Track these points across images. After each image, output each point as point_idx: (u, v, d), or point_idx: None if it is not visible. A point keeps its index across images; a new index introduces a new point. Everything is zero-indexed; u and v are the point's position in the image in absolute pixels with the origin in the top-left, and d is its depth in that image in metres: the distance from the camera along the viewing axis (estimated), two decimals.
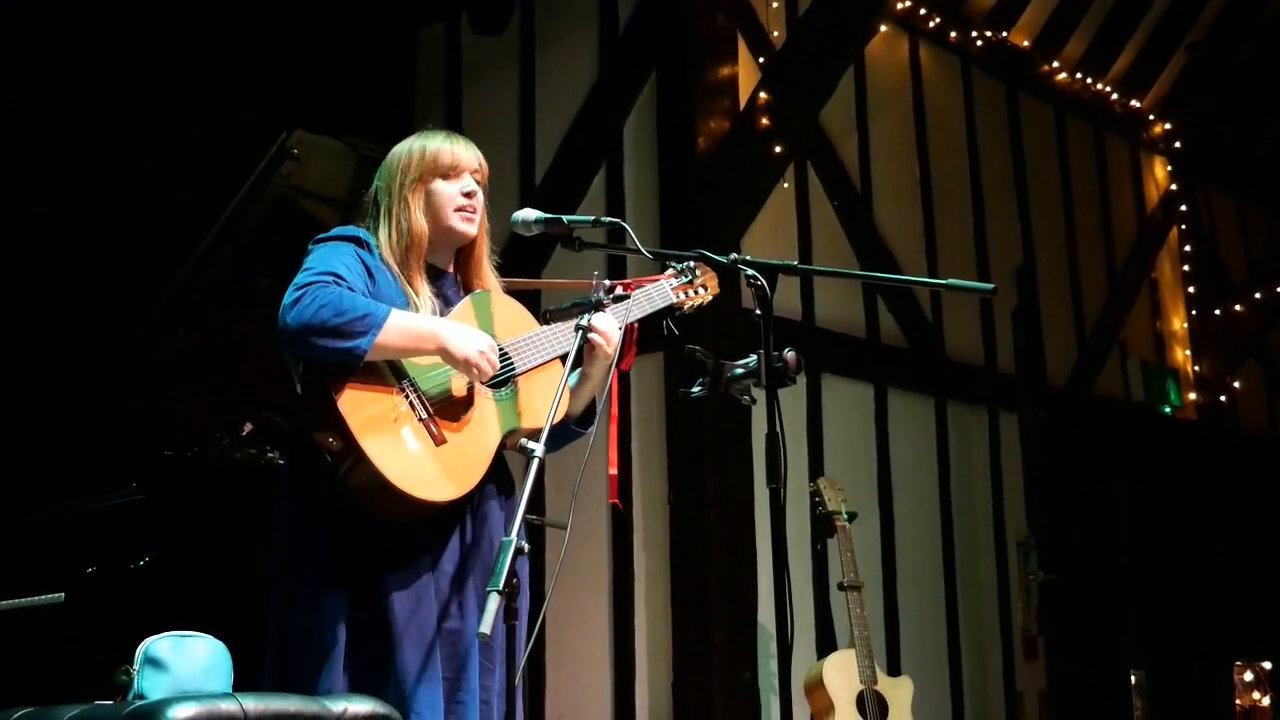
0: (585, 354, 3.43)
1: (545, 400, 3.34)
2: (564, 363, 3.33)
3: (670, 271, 3.63)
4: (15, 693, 3.65)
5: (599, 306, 3.34)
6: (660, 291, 3.58)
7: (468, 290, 3.50)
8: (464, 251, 3.52)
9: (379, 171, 3.48)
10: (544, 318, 3.48)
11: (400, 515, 3.16)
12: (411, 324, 3.19)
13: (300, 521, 3.26)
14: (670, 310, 3.59)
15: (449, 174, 3.41)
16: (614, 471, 3.62)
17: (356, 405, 3.10)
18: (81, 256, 6.47)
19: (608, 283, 3.38)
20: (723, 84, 6.85)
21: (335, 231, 3.38)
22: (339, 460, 3.10)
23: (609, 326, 3.39)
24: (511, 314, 3.50)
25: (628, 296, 3.47)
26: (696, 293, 3.63)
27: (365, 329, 3.08)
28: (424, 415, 3.20)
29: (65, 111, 6.51)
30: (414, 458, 3.13)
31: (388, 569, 3.19)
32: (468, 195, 3.42)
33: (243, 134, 5.58)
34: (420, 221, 3.36)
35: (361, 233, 3.36)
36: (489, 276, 3.54)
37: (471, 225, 3.44)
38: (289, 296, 3.10)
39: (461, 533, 3.30)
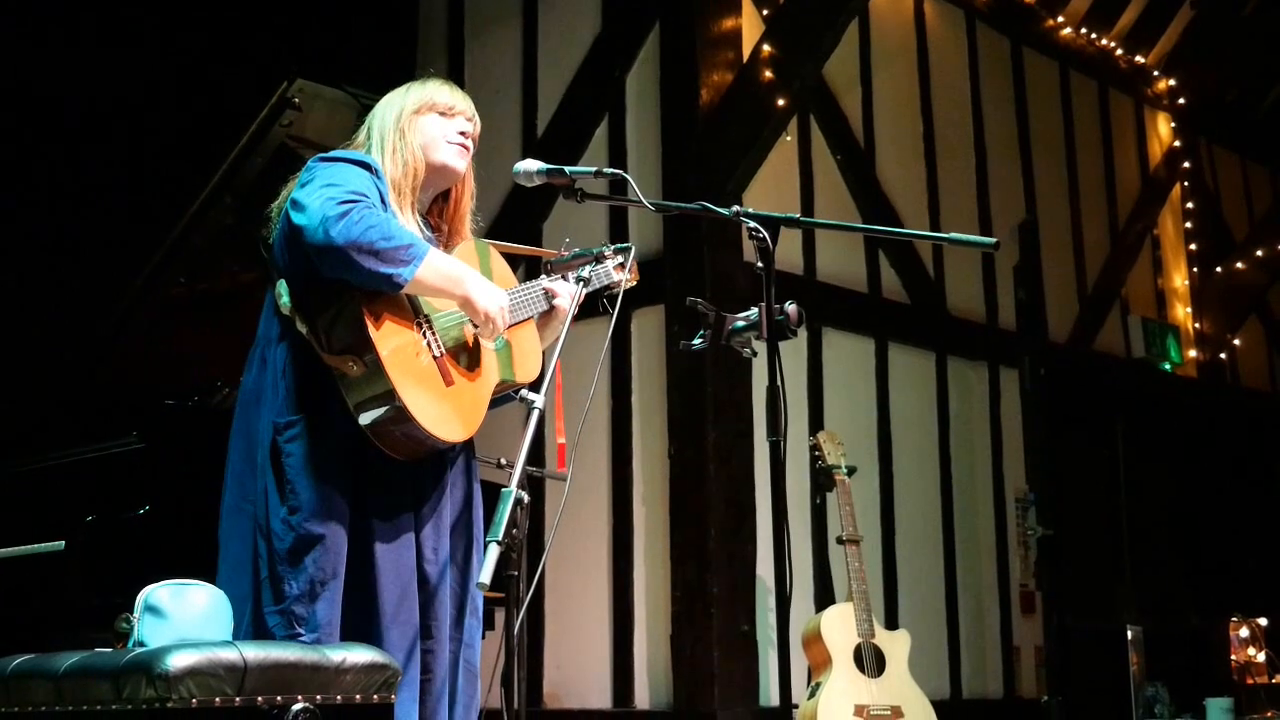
0: (545, 317, 3.52)
1: (529, 353, 3.45)
2: (544, 318, 3.50)
3: (608, 252, 3.63)
4: (15, 640, 3.65)
5: (600, 259, 3.37)
6: (608, 270, 3.59)
7: (445, 236, 3.49)
8: (447, 198, 3.50)
9: (371, 113, 3.44)
10: (545, 268, 3.47)
11: (401, 451, 3.17)
12: (446, 266, 3.18)
13: (303, 438, 3.16)
14: (609, 288, 3.59)
15: (446, 112, 3.40)
16: (562, 440, 3.63)
17: (386, 334, 3.11)
18: (82, 204, 6.45)
19: (577, 249, 3.47)
20: (726, 36, 6.81)
21: (346, 154, 3.29)
22: (354, 386, 3.09)
23: (566, 292, 3.45)
24: (501, 269, 3.52)
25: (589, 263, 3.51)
26: (628, 276, 3.64)
27: (409, 259, 3.05)
28: (437, 354, 3.22)
29: (63, 61, 6.47)
30: (431, 395, 3.15)
31: (374, 506, 3.19)
32: (462, 134, 3.41)
33: (244, 83, 5.55)
34: (418, 154, 3.34)
35: (371, 160, 3.28)
36: (468, 233, 3.52)
37: (463, 160, 3.42)
38: (329, 208, 3.01)
39: (441, 479, 3.32)
